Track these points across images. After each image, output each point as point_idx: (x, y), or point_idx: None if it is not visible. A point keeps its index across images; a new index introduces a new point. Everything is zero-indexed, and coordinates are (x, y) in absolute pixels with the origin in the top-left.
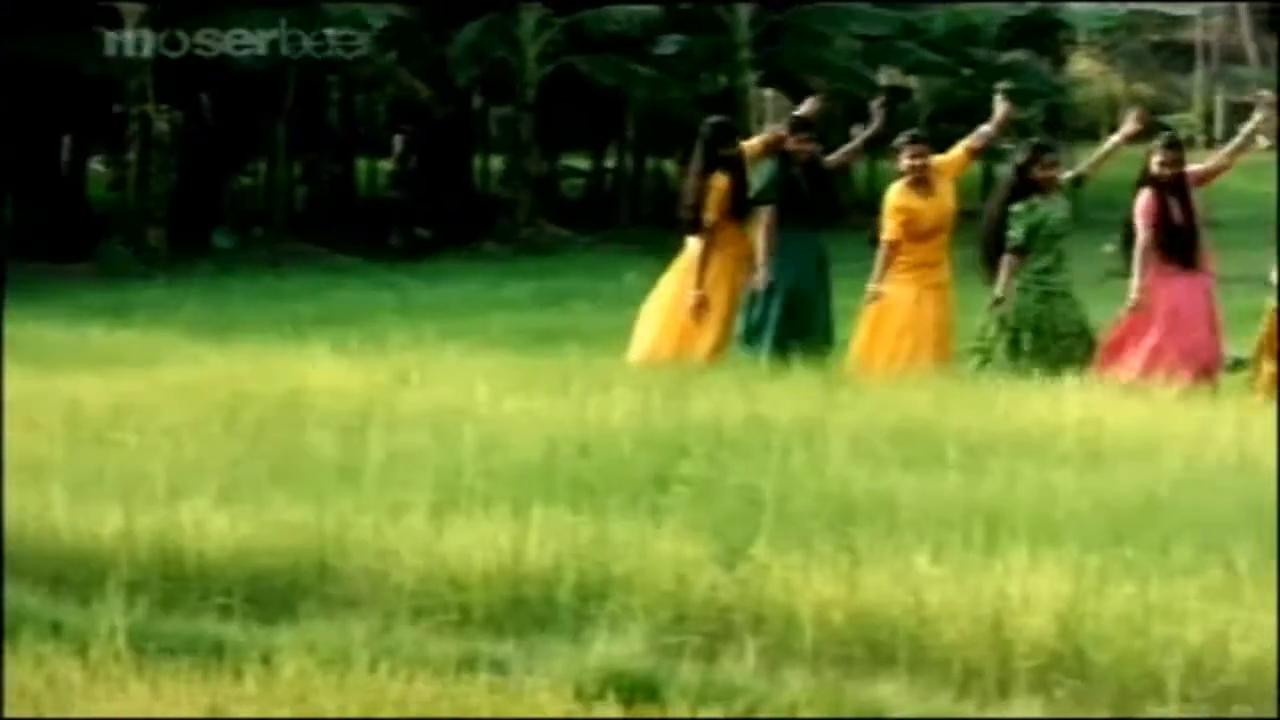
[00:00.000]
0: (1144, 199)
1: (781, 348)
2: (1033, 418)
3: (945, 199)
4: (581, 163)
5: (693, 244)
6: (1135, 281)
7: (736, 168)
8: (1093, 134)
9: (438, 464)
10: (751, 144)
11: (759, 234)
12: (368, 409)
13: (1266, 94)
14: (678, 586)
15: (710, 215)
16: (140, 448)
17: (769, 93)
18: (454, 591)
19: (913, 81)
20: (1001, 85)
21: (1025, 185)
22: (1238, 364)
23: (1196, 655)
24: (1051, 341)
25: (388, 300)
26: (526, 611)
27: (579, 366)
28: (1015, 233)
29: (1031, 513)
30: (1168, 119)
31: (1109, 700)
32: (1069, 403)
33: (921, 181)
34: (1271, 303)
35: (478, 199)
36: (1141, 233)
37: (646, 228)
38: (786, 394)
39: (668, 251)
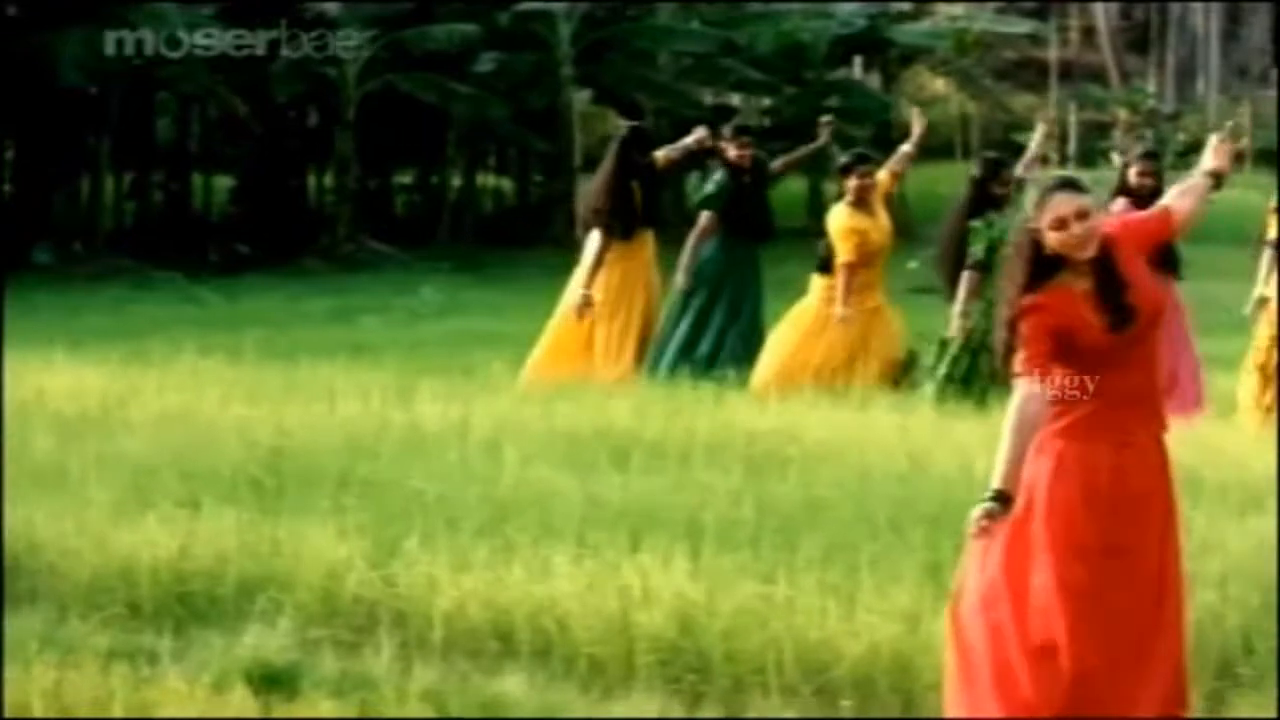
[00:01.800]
0: (1119, 209)
1: (719, 358)
2: (732, 425)
3: (884, 220)
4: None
5: (589, 246)
6: None
7: (649, 175)
8: (948, 152)
9: (141, 466)
10: (669, 152)
11: (692, 238)
12: (99, 414)
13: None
14: (330, 582)
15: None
16: None
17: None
18: (125, 587)
19: (738, 100)
20: (829, 111)
21: (983, 200)
22: None
23: (810, 651)
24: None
25: (188, 314)
26: (191, 606)
27: (308, 377)
28: (976, 249)
29: (683, 515)
30: (1020, 137)
31: (723, 693)
32: (773, 411)
33: (863, 203)
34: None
35: (303, 215)
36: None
37: (468, 244)
38: (503, 401)
39: (484, 266)
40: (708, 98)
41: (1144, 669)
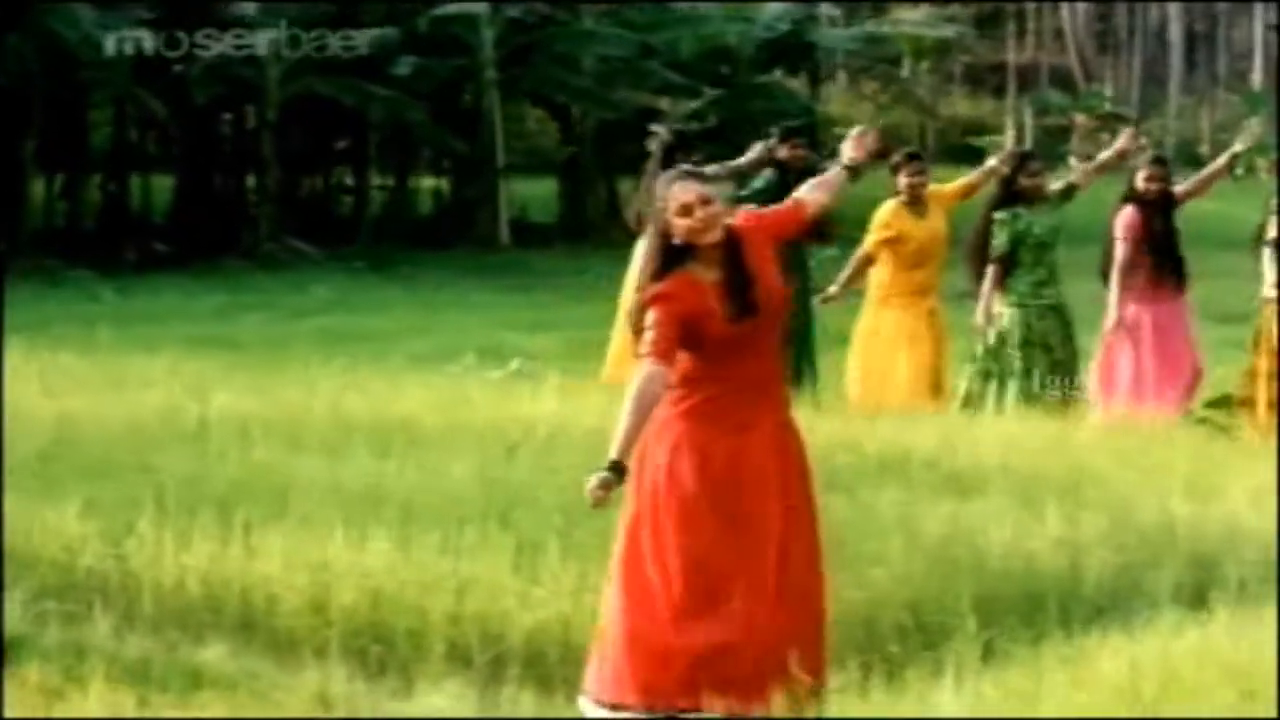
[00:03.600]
0: (1127, 214)
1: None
2: (504, 413)
3: (937, 224)
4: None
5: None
6: (1112, 299)
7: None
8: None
9: None
10: (735, 166)
11: None
12: None
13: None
14: (66, 558)
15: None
16: None
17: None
18: None
19: (665, 104)
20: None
21: (1010, 195)
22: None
23: (485, 623)
24: (1044, 356)
25: (80, 310)
26: None
27: (140, 369)
28: (998, 241)
29: (409, 498)
30: (977, 140)
31: (403, 663)
32: (548, 400)
33: (916, 201)
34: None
35: (230, 215)
36: (1121, 249)
37: (393, 244)
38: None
39: (396, 265)
40: (634, 101)
41: (768, 639)
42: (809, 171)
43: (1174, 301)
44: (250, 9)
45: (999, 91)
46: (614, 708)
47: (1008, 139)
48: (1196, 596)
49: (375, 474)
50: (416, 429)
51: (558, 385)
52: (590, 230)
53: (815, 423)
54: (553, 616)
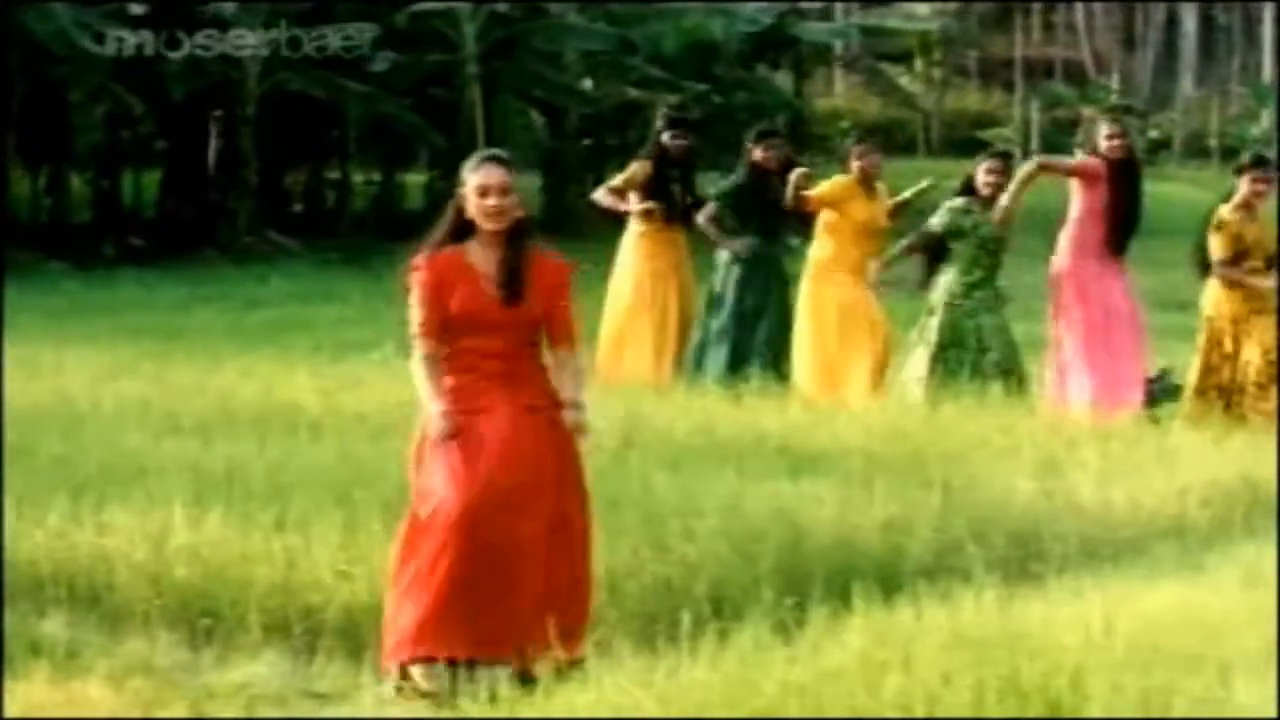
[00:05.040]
0: (1092, 162)
1: (736, 362)
2: (388, 399)
3: (881, 210)
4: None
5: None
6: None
7: (665, 159)
8: (911, 149)
9: None
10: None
11: (706, 226)
12: None
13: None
14: None
15: (621, 189)
16: None
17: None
18: None
19: (646, 98)
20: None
21: (969, 189)
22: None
23: (303, 595)
24: (979, 356)
25: (43, 303)
26: None
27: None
28: (935, 219)
29: (258, 477)
30: (984, 134)
31: (227, 632)
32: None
33: (867, 181)
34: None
35: (210, 209)
36: (1081, 195)
37: (372, 238)
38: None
39: (370, 259)
40: (616, 96)
41: (526, 606)
42: (785, 171)
43: (1120, 282)
44: (229, 8)
45: (1012, 86)
46: (400, 665)
47: (1011, 132)
48: (1016, 571)
49: (239, 456)
50: (296, 414)
51: None
52: (571, 223)
53: (687, 406)
54: (368, 590)
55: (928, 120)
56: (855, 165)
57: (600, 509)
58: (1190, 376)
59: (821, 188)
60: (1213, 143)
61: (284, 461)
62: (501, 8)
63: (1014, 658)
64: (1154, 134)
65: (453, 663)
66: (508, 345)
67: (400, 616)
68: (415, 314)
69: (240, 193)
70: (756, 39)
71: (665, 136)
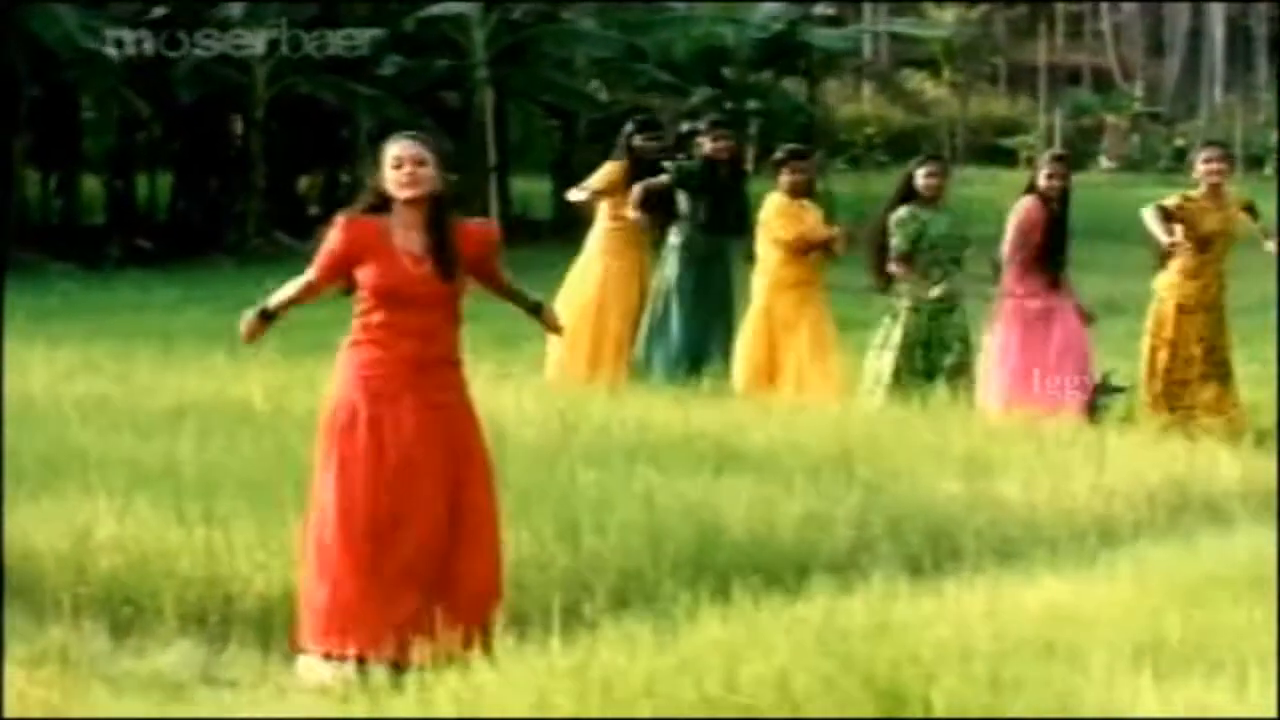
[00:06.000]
0: (1027, 205)
1: (690, 354)
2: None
3: (816, 217)
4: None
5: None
6: (1007, 285)
7: (638, 161)
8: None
9: None
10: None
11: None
12: None
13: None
14: None
15: (592, 189)
16: None
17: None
18: None
19: (657, 103)
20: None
21: (908, 194)
22: (1114, 388)
23: (220, 586)
24: (940, 356)
25: (38, 304)
26: None
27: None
28: (898, 240)
29: (192, 471)
30: (1008, 141)
31: (147, 621)
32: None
33: (797, 195)
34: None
35: (220, 212)
36: (1015, 238)
37: None
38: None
39: None
40: (626, 101)
41: (430, 594)
42: (735, 162)
43: (1062, 300)
44: (237, 10)
45: (1035, 90)
46: (304, 652)
47: (1035, 139)
48: (926, 568)
49: (177, 452)
50: (244, 411)
51: None
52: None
53: (627, 403)
54: (283, 582)
55: (952, 127)
56: (785, 181)
57: (520, 503)
58: (1141, 361)
59: (766, 217)
60: (1239, 150)
61: (220, 458)
62: (517, 14)
63: (874, 648)
64: (1180, 142)
65: (361, 660)
66: (425, 322)
67: (306, 605)
68: (319, 254)
69: (248, 195)
70: (767, 45)
71: (637, 139)
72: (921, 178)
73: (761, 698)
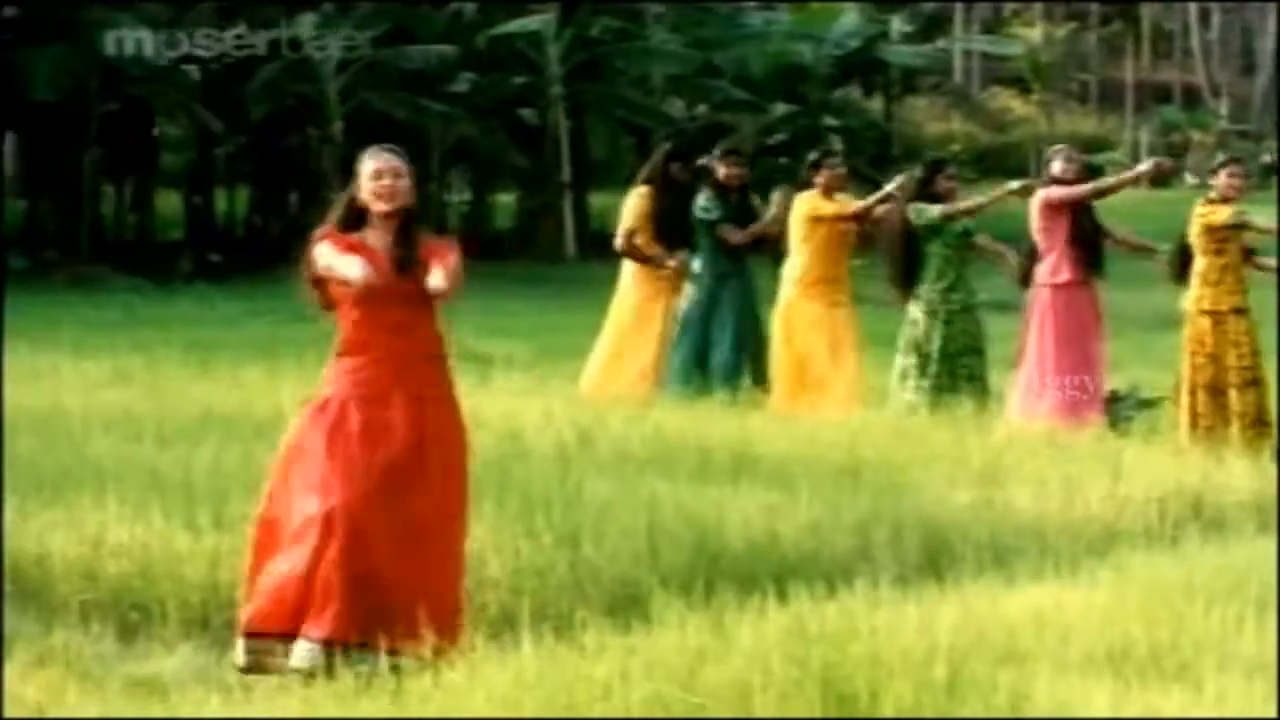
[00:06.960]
0: (1055, 192)
1: (735, 372)
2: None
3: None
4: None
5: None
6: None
7: (669, 188)
8: (1024, 172)
9: None
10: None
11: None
12: None
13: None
14: None
15: (628, 229)
16: None
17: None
18: None
19: (732, 120)
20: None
21: (925, 197)
22: (1144, 401)
23: (223, 591)
24: (956, 360)
25: (99, 316)
26: None
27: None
28: (923, 218)
29: (209, 480)
30: (1097, 158)
31: (154, 624)
32: None
33: (830, 192)
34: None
35: (296, 227)
36: (1042, 223)
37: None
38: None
39: None
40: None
41: (403, 596)
42: (745, 190)
43: (1091, 298)
44: (308, 24)
45: (1122, 108)
46: (247, 636)
47: (1121, 155)
48: (927, 576)
49: (194, 460)
50: (272, 421)
51: None
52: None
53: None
54: None
55: (1039, 144)
56: (819, 180)
57: (525, 508)
58: (1182, 374)
59: (801, 214)
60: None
61: (236, 466)
62: (590, 30)
63: (834, 652)
64: (1267, 158)
65: (328, 645)
66: (404, 317)
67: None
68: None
69: (320, 210)
70: (844, 62)
71: (674, 167)
72: (942, 181)
73: (718, 698)
